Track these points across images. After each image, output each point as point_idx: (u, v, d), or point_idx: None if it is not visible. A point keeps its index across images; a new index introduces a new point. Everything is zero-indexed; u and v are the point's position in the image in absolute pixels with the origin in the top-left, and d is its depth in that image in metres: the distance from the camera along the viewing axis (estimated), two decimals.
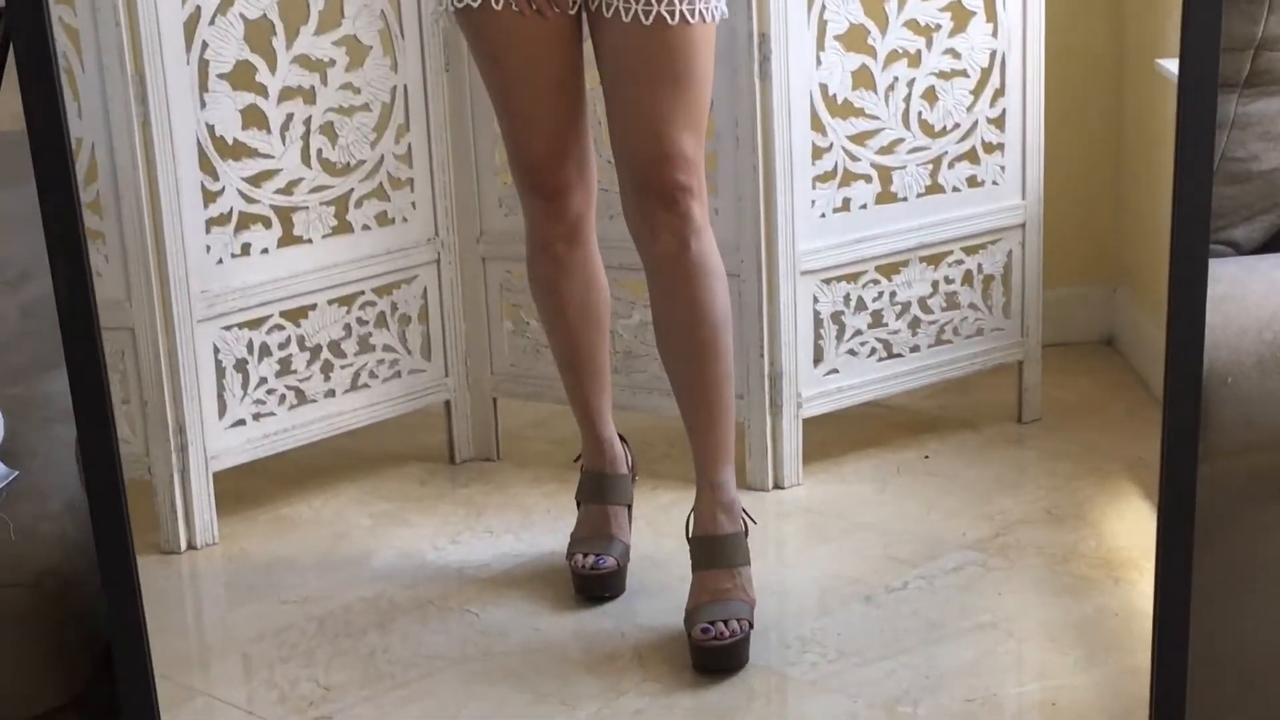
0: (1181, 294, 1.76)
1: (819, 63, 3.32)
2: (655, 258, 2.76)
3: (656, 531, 3.21)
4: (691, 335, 2.77)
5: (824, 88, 3.34)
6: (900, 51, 3.41)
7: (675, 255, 2.73)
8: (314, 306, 3.41)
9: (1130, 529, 3.18)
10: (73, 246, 2.04)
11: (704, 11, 2.66)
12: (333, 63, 3.36)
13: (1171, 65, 3.49)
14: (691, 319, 2.75)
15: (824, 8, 3.31)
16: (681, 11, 2.64)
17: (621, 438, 3.14)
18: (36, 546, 2.00)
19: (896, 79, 3.41)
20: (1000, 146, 3.52)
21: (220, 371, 3.29)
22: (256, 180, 3.30)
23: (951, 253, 3.53)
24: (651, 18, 2.64)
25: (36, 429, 2.18)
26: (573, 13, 2.73)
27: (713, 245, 2.75)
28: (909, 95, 3.43)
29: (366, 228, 3.45)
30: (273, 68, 3.29)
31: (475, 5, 2.71)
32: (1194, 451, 1.73)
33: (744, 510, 2.88)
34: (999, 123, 3.51)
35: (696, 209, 2.71)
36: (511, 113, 2.80)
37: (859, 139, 3.41)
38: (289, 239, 3.36)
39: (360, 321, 3.47)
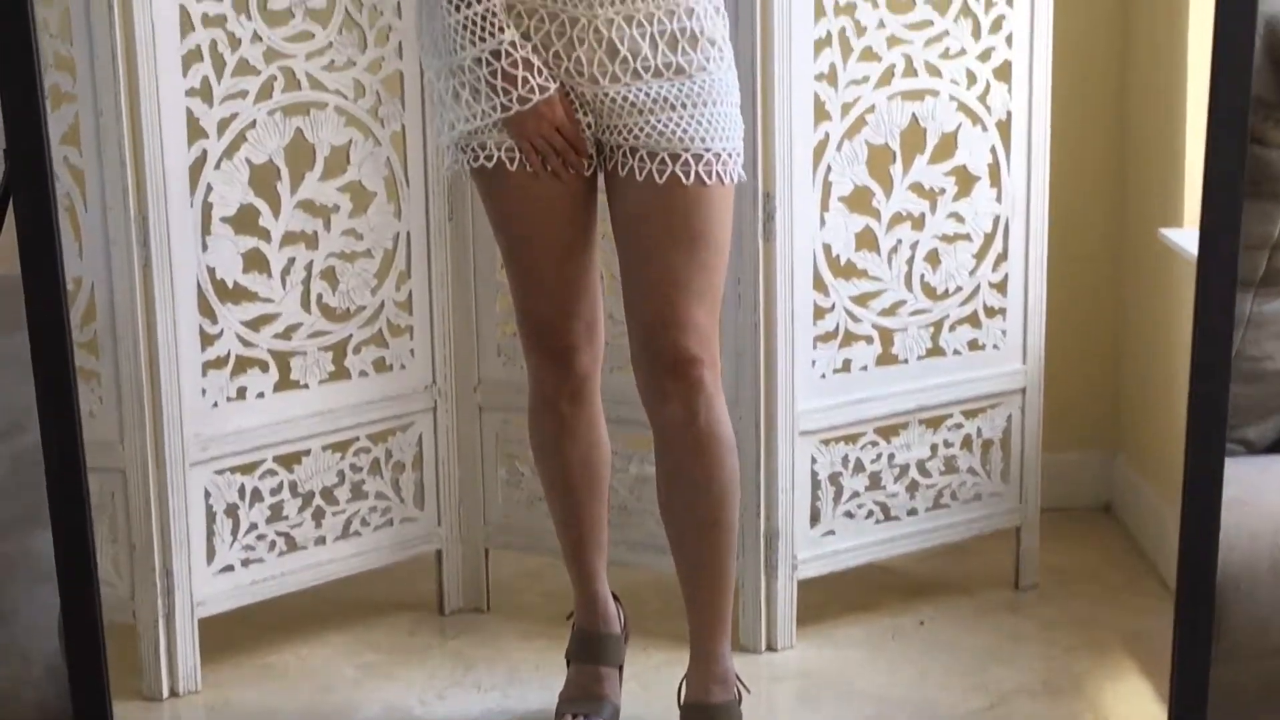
0: (1196, 498, 1.74)
1: (823, 223, 3.32)
2: (663, 425, 2.73)
3: (648, 692, 3.16)
4: (696, 506, 2.73)
5: (827, 248, 3.33)
6: (904, 214, 3.41)
7: (683, 424, 2.70)
8: (308, 452, 3.37)
9: (1129, 707, 3.13)
10: (63, 405, 2.01)
11: (720, 173, 2.65)
12: (337, 208, 3.35)
13: (1175, 235, 3.50)
14: (697, 490, 2.72)
15: (829, 169, 3.31)
16: (698, 172, 2.63)
17: (615, 596, 3.10)
18: (18, 711, 1.95)
19: (900, 241, 3.41)
20: (1002, 311, 3.51)
21: (210, 516, 3.25)
22: (255, 324, 3.28)
23: (951, 416, 3.51)
24: (665, 177, 2.63)
25: (22, 588, 2.14)
26: (588, 174, 2.72)
27: (723, 414, 2.72)
28: (912, 258, 3.42)
29: (364, 374, 3.43)
30: (276, 212, 3.28)
31: (490, 165, 2.70)
32: (1207, 656, 1.70)
33: (738, 678, 2.84)
34: (1001, 287, 3.51)
35: (708, 378, 2.68)
36: (522, 271, 2.79)
37: (861, 300, 3.40)
38: (285, 383, 3.33)
39: (354, 468, 3.44)
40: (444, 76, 2.69)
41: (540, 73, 2.63)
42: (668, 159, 2.63)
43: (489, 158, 2.69)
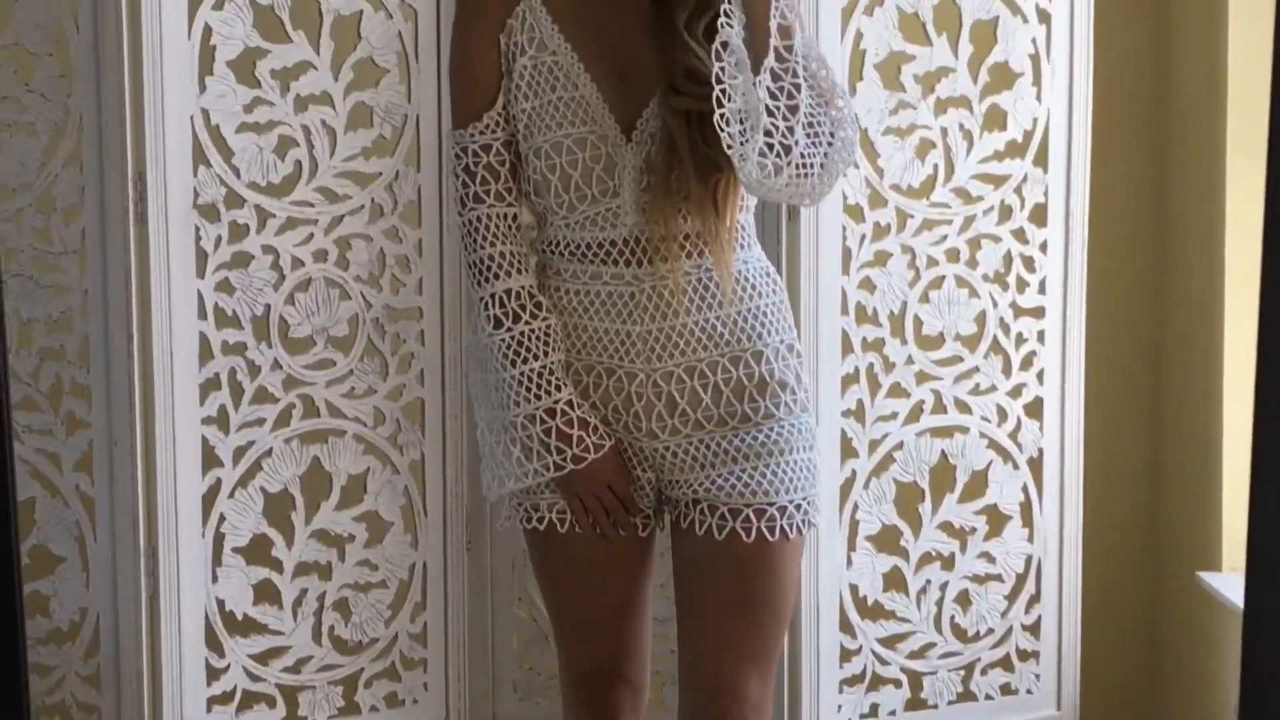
0: None
1: (849, 563, 3.23)
2: None
3: None
4: None
5: (854, 588, 3.24)
6: (934, 554, 3.33)
7: None
8: None
9: None
10: None
11: (786, 527, 2.44)
12: (352, 538, 3.28)
13: (1213, 579, 3.40)
14: None
15: (856, 507, 3.24)
16: (760, 529, 2.43)
17: None
18: None
19: (929, 581, 3.32)
20: (1035, 654, 3.40)
21: None
22: (264, 658, 3.19)
23: None
24: (725, 533, 2.43)
25: None
26: (643, 535, 2.54)
27: None
28: (942, 599, 3.33)
29: (375, 709, 3.32)
30: (290, 542, 3.21)
31: (541, 528, 2.54)
32: None
33: None
34: (1034, 629, 3.40)
35: None
36: (570, 628, 2.60)
37: (889, 642, 3.29)
38: (292, 718, 3.22)
39: None
40: (495, 430, 2.53)
41: (595, 430, 2.46)
42: (728, 514, 2.43)
43: (540, 519, 2.52)
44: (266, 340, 3.16)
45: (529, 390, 2.44)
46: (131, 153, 3.01)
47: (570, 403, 2.44)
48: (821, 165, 2.27)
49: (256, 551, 3.18)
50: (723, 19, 2.24)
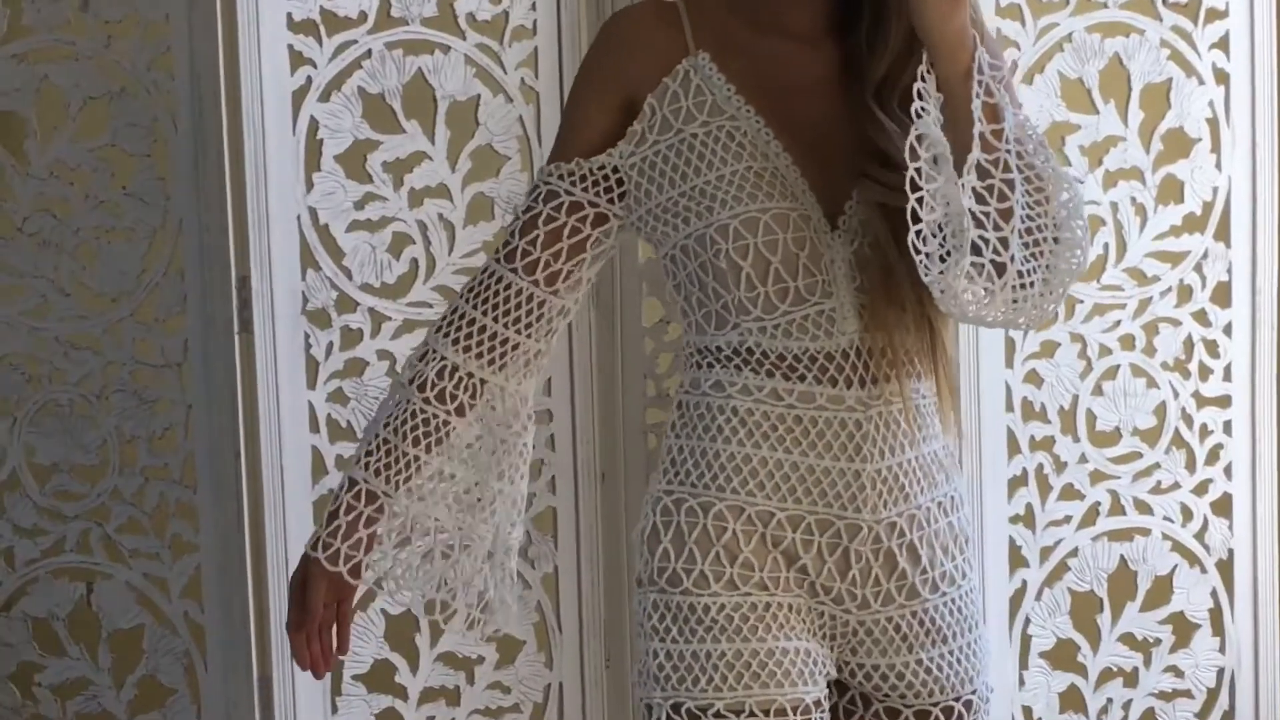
0: None
1: (1022, 683, 3.05)
2: None
3: None
4: None
5: (1027, 711, 3.05)
6: (1114, 669, 3.12)
7: None
8: None
9: None
10: None
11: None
12: (481, 659, 3.09)
13: None
14: None
15: (1028, 621, 3.04)
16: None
17: None
18: None
19: (1110, 701, 3.11)
20: None
21: None
22: None
23: None
24: None
25: None
26: None
27: None
28: (1125, 718, 3.08)
29: None
30: (414, 667, 3.02)
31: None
32: None
33: None
34: None
35: None
36: None
37: None
38: None
39: None
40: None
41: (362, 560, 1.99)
42: (939, 714, 1.97)
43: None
44: None
45: (376, 463, 1.99)
46: (235, 257, 2.83)
47: (381, 510, 1.99)
48: (1044, 280, 1.80)
49: (378, 678, 3.00)
50: (916, 102, 1.78)
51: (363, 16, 2.90)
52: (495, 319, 2.00)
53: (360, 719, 2.97)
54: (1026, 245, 1.79)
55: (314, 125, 2.88)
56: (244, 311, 2.84)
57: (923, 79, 1.79)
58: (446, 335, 2.00)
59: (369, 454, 1.99)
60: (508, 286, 1.99)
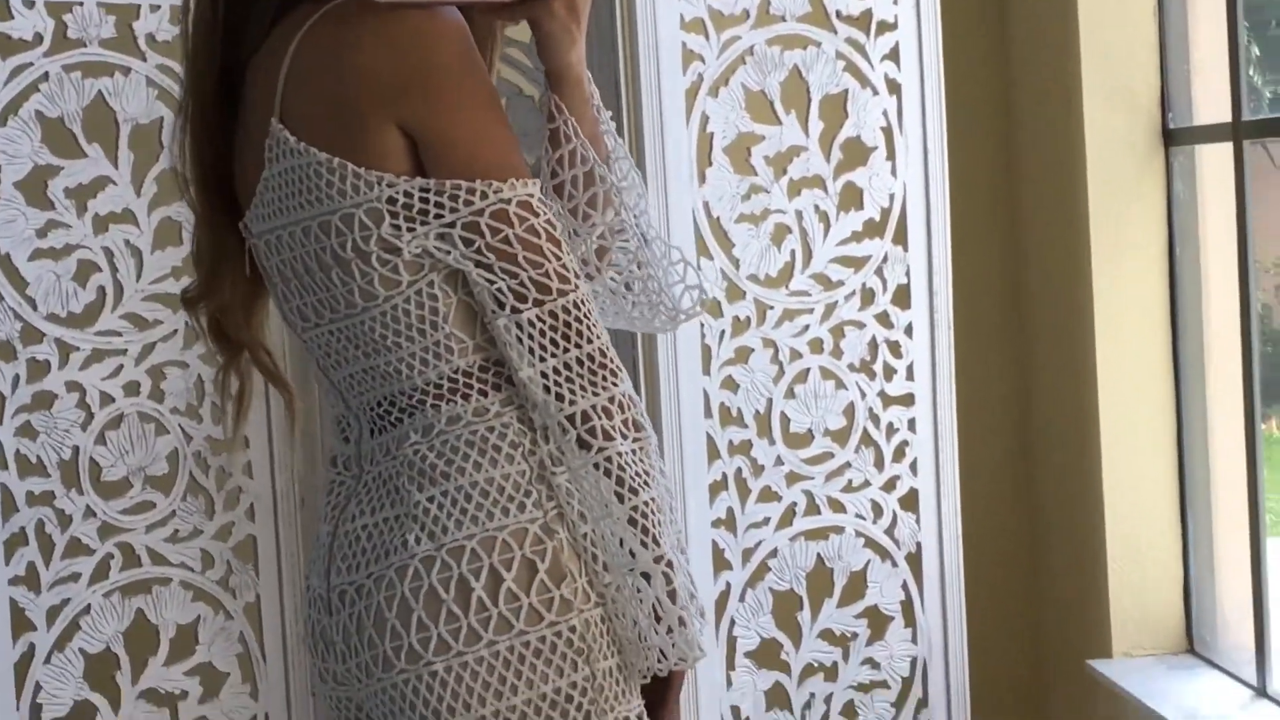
0: None
1: (730, 684, 3.01)
2: None
3: None
4: None
5: (735, 711, 3.02)
6: (816, 665, 3.14)
7: None
8: None
9: None
10: None
11: None
12: (185, 694, 3.01)
13: (1103, 666, 3.26)
14: None
15: (733, 623, 3.03)
16: None
17: None
18: None
19: (813, 695, 3.13)
20: None
21: None
22: None
23: None
24: None
25: None
26: None
27: None
28: (827, 713, 3.14)
29: None
30: (116, 706, 2.94)
31: None
32: None
33: None
34: None
35: None
36: None
37: None
38: None
39: None
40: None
41: None
42: None
43: None
44: (76, 487, 2.86)
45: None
46: None
47: None
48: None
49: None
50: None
51: (38, 38, 2.81)
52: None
53: None
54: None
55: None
56: None
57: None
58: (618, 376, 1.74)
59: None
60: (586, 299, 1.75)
